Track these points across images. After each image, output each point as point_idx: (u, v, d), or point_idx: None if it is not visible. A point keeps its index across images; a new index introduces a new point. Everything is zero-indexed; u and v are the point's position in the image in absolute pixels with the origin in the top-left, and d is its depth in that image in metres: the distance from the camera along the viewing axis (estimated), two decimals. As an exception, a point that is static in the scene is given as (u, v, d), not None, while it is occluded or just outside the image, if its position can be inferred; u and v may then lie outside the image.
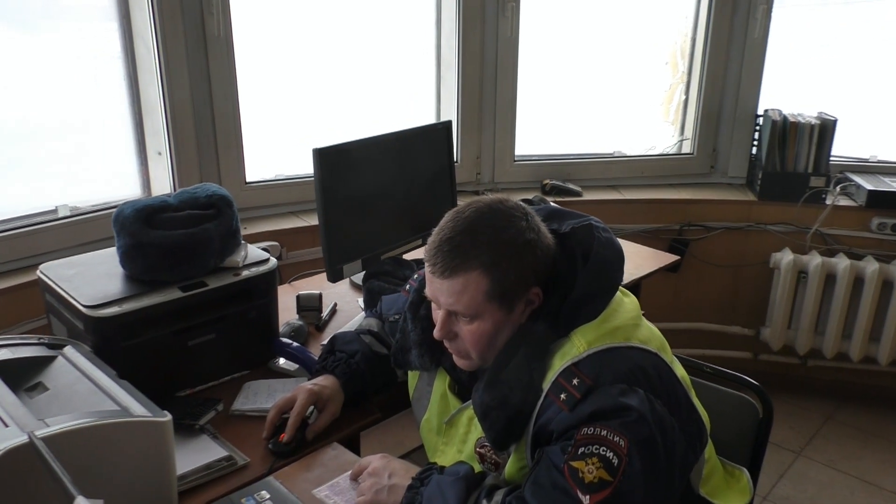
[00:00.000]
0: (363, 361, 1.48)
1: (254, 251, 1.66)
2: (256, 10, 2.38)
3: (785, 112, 2.89)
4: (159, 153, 2.28)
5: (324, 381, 1.44)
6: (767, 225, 2.93)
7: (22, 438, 1.00)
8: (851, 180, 2.92)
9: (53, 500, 0.89)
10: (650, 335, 1.20)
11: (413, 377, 1.41)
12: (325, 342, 1.58)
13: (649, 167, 3.10)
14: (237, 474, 1.30)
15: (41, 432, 1.01)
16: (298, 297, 1.88)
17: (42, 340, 1.37)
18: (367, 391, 1.50)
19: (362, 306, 1.93)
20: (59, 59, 2.09)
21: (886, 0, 2.99)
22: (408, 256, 2.08)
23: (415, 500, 1.16)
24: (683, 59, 3.07)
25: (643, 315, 1.25)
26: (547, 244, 1.17)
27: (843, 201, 2.88)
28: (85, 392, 1.21)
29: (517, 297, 1.15)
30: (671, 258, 2.41)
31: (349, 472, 1.29)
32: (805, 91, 3.03)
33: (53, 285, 1.49)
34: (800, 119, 2.85)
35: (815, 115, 2.89)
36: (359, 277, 2.01)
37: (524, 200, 1.24)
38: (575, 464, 1.04)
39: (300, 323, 1.81)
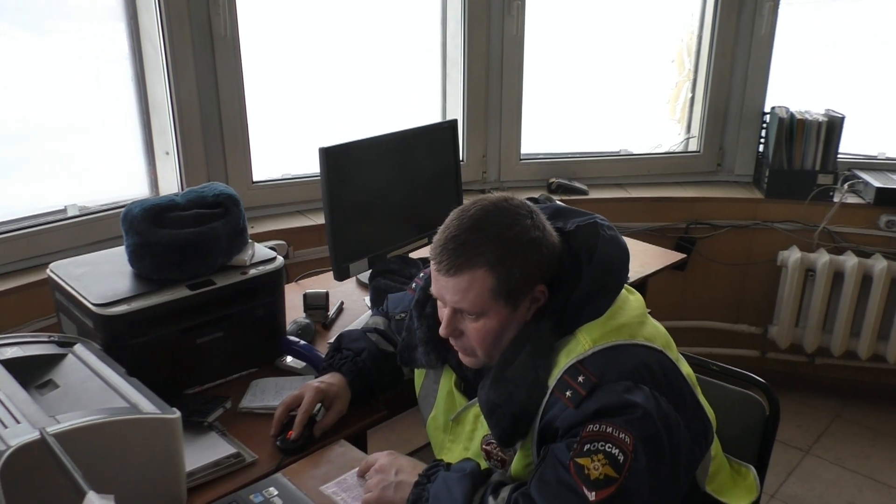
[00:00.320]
0: (370, 359, 1.48)
1: (261, 250, 1.67)
2: (263, 9, 2.39)
3: (792, 109, 2.88)
4: (167, 153, 2.30)
5: (331, 378, 1.45)
6: (774, 223, 2.92)
7: (33, 435, 1.01)
8: (859, 178, 2.91)
9: (65, 496, 0.91)
10: (655, 332, 1.20)
11: (419, 375, 1.42)
12: (331, 340, 1.59)
13: (655, 165, 3.09)
14: (245, 471, 1.31)
15: (52, 429, 1.02)
16: (305, 296, 1.89)
17: (52, 338, 1.39)
18: (374, 389, 1.50)
19: (369, 305, 1.94)
20: (67, 59, 2.11)
21: (894, -4, 2.98)
22: (414, 255, 2.08)
23: (421, 497, 1.16)
24: (690, 56, 3.07)
25: (649, 313, 1.25)
26: (552, 242, 1.17)
27: (851, 199, 2.87)
28: (95, 389, 1.22)
29: (522, 295, 1.15)
30: (678, 256, 2.41)
31: (356, 469, 1.30)
32: (812, 88, 3.02)
33: (63, 284, 1.50)
34: (807, 116, 2.84)
35: (823, 112, 2.88)
36: (365, 276, 2.02)
37: (530, 199, 1.24)
38: (580, 460, 1.04)
39: (307, 321, 1.81)
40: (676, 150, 3.16)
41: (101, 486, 0.85)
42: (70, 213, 2.14)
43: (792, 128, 2.83)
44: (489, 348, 1.19)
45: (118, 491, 0.86)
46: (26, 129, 2.08)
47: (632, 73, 3.05)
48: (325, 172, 1.76)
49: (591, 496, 1.02)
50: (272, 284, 1.63)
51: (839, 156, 2.88)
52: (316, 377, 1.49)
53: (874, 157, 3.06)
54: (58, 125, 2.14)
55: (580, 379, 1.10)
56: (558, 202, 1.42)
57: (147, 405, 1.16)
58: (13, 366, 1.26)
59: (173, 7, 2.14)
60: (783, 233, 2.92)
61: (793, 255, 2.86)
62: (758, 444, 1.44)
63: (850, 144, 2.95)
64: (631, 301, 1.23)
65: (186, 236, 1.51)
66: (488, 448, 1.24)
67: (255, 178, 2.46)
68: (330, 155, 1.76)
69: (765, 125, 2.97)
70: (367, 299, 1.97)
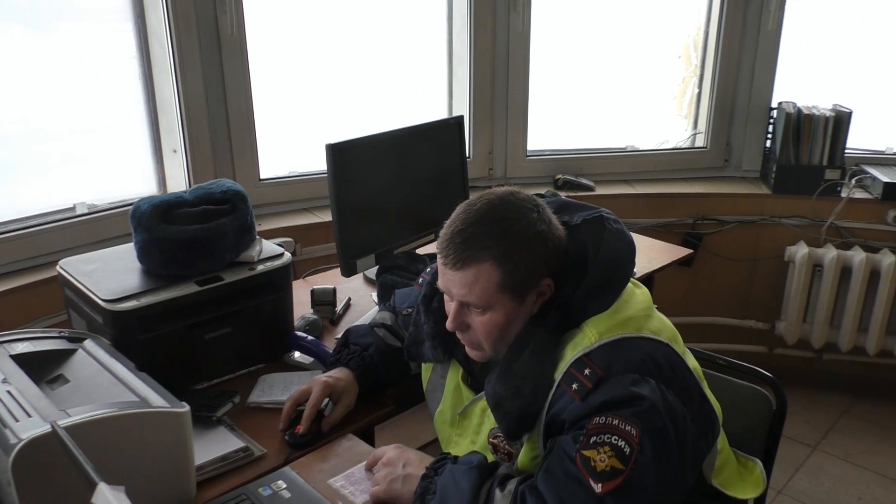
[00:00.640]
0: (377, 354, 1.49)
1: (268, 246, 1.68)
2: (269, 7, 2.40)
3: (799, 104, 2.87)
4: (174, 151, 2.31)
5: (338, 373, 1.46)
6: (782, 218, 2.91)
7: (45, 428, 1.02)
8: (867, 173, 2.90)
9: (76, 488, 0.92)
10: (662, 326, 1.20)
11: (426, 369, 1.42)
12: (339, 335, 1.60)
13: (662, 161, 3.09)
14: (254, 465, 1.32)
15: (63, 422, 1.03)
16: (313, 292, 1.90)
17: (63, 334, 1.40)
18: (382, 383, 1.51)
19: (376, 300, 1.95)
20: (76, 59, 2.12)
21: (902, -10, 2.96)
22: (420, 251, 2.09)
23: (429, 490, 1.17)
24: (696, 52, 3.06)
25: (656, 308, 1.25)
26: (558, 236, 1.18)
27: (859, 194, 2.86)
28: (105, 384, 1.23)
29: (529, 289, 1.16)
30: (684, 252, 2.41)
31: (364, 463, 1.30)
32: (820, 83, 3.01)
33: (73, 280, 1.51)
34: (814, 111, 2.83)
35: (830, 107, 2.87)
36: (372, 272, 2.03)
37: (536, 195, 1.25)
38: (587, 453, 1.04)
39: (315, 317, 1.82)
40: (683, 146, 3.15)
41: (111, 478, 0.86)
42: (79, 211, 2.16)
43: (799, 123, 2.82)
44: (496, 342, 1.19)
45: (128, 484, 0.86)
46: (35, 128, 2.10)
47: (638, 68, 3.04)
48: (331, 169, 1.76)
49: (598, 488, 1.03)
50: (280, 280, 1.64)
51: (847, 151, 2.87)
52: (324, 372, 1.49)
53: (882, 152, 3.05)
54: (66, 124, 2.15)
55: (586, 372, 1.10)
56: (563, 197, 1.42)
57: (157, 399, 1.17)
58: (24, 361, 1.27)
59: (180, 6, 2.15)
60: (790, 228, 2.91)
61: (800, 251, 2.85)
62: (765, 439, 1.44)
63: (858, 139, 2.94)
64: (637, 295, 1.23)
65: (195, 233, 1.52)
66: (495, 441, 1.24)
67: (261, 176, 2.47)
68: (336, 152, 1.77)
69: (772, 120, 2.96)
70: (374, 295, 1.97)
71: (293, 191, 2.54)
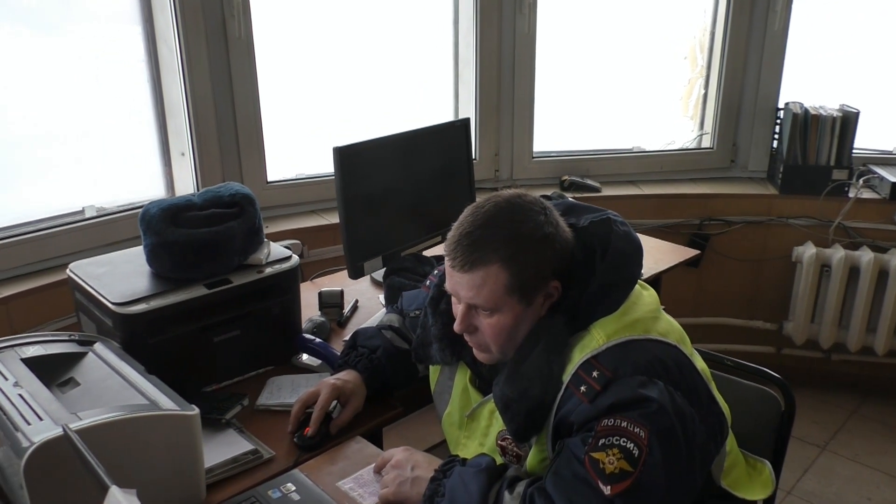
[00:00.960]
0: (385, 356, 1.49)
1: (276, 249, 1.69)
2: (276, 11, 2.40)
3: (806, 105, 2.87)
4: (182, 154, 2.32)
5: (346, 375, 1.46)
6: (789, 219, 2.91)
7: (56, 431, 1.03)
8: (875, 173, 2.89)
9: (87, 491, 0.92)
10: (669, 328, 1.20)
11: (434, 372, 1.43)
12: (347, 338, 1.60)
13: (668, 162, 3.08)
14: (263, 467, 1.32)
15: (75, 425, 1.04)
16: (320, 294, 1.91)
17: (73, 337, 1.41)
18: (390, 386, 1.51)
19: (383, 302, 1.95)
20: (84, 62, 2.13)
21: (909, -11, 2.95)
22: (427, 253, 2.09)
23: (437, 492, 1.17)
24: (702, 53, 3.06)
25: (663, 309, 1.25)
26: (565, 238, 1.18)
27: (867, 194, 2.85)
28: (115, 387, 1.24)
29: (536, 291, 1.16)
30: (691, 253, 2.40)
31: (373, 465, 1.31)
32: (827, 83, 3.00)
33: (83, 284, 1.52)
34: (821, 112, 2.82)
35: (838, 107, 2.86)
36: (379, 274, 2.03)
37: (543, 196, 1.25)
38: (596, 455, 1.04)
39: (322, 319, 1.83)
40: (689, 147, 3.15)
41: (122, 481, 0.87)
42: (88, 215, 2.17)
43: (806, 123, 2.81)
44: (503, 344, 1.19)
45: (139, 487, 0.87)
46: (43, 130, 2.11)
47: (644, 70, 3.04)
48: (339, 172, 1.77)
49: (607, 490, 1.03)
50: (288, 283, 1.65)
51: (854, 151, 2.86)
52: (332, 374, 1.50)
53: (889, 152, 3.04)
54: (74, 127, 2.16)
55: (594, 374, 1.10)
56: (570, 199, 1.43)
57: (166, 402, 1.18)
58: (35, 364, 1.28)
59: (188, 9, 2.16)
60: (798, 228, 2.90)
61: (808, 251, 2.84)
62: (773, 440, 1.44)
63: (866, 139, 2.93)
64: (645, 296, 1.23)
65: (203, 236, 1.53)
66: (503, 443, 1.24)
67: (269, 179, 2.48)
68: (344, 154, 1.78)
69: (779, 121, 2.96)
70: (382, 297, 1.98)
71: (300, 193, 2.54)
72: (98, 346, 1.38)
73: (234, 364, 1.60)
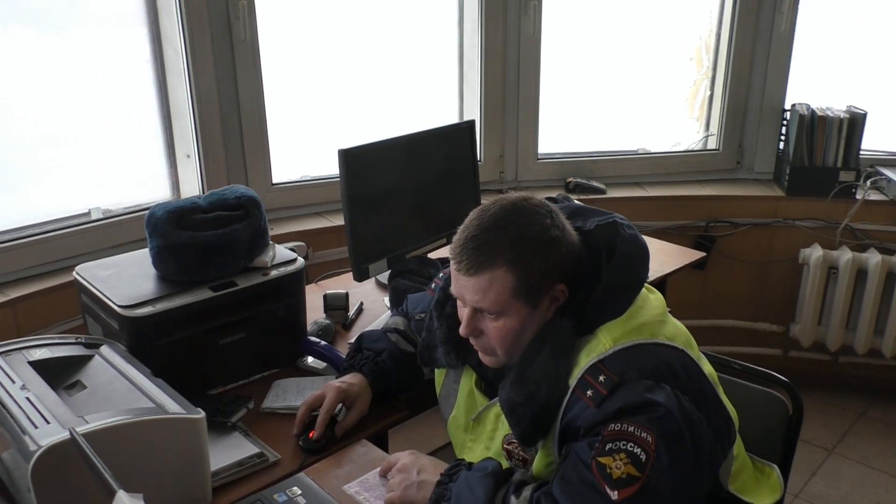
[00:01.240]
0: (390, 359, 1.49)
1: (281, 251, 1.69)
2: (281, 12, 2.41)
3: (813, 106, 2.85)
4: (188, 156, 2.32)
5: (352, 378, 1.46)
6: (796, 220, 2.89)
7: (63, 435, 1.03)
8: (882, 174, 2.88)
9: (94, 495, 0.92)
10: (676, 331, 1.20)
11: (440, 375, 1.42)
12: (352, 341, 1.60)
13: (674, 164, 3.07)
14: (269, 471, 1.32)
15: (82, 429, 1.04)
16: (325, 297, 1.91)
17: (79, 340, 1.41)
18: (395, 389, 1.51)
19: (388, 305, 1.95)
20: (89, 63, 2.14)
21: (917, -10, 2.94)
22: (432, 255, 2.09)
23: (444, 496, 1.17)
24: (708, 54, 3.05)
25: (669, 312, 1.25)
26: (571, 241, 1.17)
27: (874, 195, 2.84)
28: (121, 390, 1.24)
29: (542, 294, 1.15)
30: (697, 255, 2.40)
31: (378, 469, 1.31)
32: (834, 84, 2.99)
33: (89, 286, 1.52)
34: (828, 113, 2.81)
35: (845, 108, 2.85)
36: (384, 276, 2.03)
37: (548, 198, 1.24)
38: (602, 459, 1.04)
39: (327, 322, 1.83)
40: (695, 149, 3.14)
41: (128, 485, 0.87)
42: (94, 217, 2.17)
43: (813, 124, 2.80)
44: (509, 348, 1.19)
45: (145, 490, 0.87)
46: (49, 132, 2.12)
47: (649, 71, 3.03)
48: (343, 174, 1.77)
49: (614, 495, 1.02)
50: (293, 285, 1.65)
51: (861, 152, 2.85)
52: (337, 377, 1.50)
53: (897, 153, 3.02)
54: (80, 129, 2.17)
55: (601, 378, 1.10)
56: (576, 201, 1.42)
57: (172, 405, 1.18)
58: (42, 367, 1.29)
59: (194, 11, 2.16)
60: (805, 230, 2.89)
61: (815, 253, 2.83)
62: (781, 443, 1.43)
63: (873, 141, 2.91)
64: (651, 300, 1.22)
65: (209, 238, 1.53)
66: (509, 447, 1.24)
67: (274, 180, 2.48)
68: (349, 156, 1.78)
69: (785, 122, 2.94)
70: (387, 300, 1.98)
71: (305, 195, 2.54)
72: (104, 349, 1.38)
73: (239, 367, 1.60)
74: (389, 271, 1.95)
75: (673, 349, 1.15)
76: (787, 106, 2.95)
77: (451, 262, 1.17)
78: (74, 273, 1.59)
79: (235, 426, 1.42)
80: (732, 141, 3.06)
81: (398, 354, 1.50)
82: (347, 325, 1.89)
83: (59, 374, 1.30)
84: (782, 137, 2.97)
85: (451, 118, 2.84)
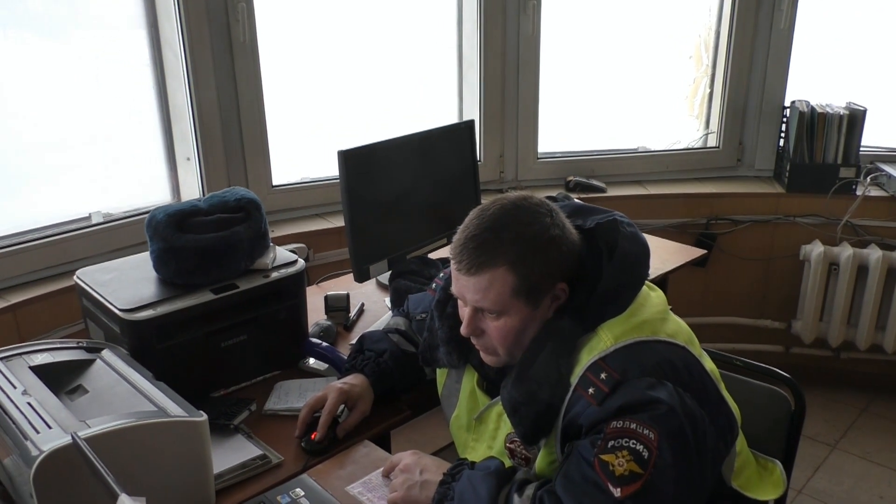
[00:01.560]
0: (392, 360, 1.49)
1: (282, 253, 1.69)
2: (280, 14, 2.41)
3: (813, 103, 2.85)
4: (188, 158, 2.33)
5: (353, 379, 1.46)
6: (796, 217, 2.89)
7: (65, 439, 1.03)
8: (882, 170, 2.87)
9: (97, 499, 0.92)
10: (678, 329, 1.20)
11: (441, 375, 1.42)
12: (353, 342, 1.60)
13: (674, 162, 3.07)
14: (272, 472, 1.32)
15: (84, 433, 1.04)
16: (326, 298, 1.91)
17: (81, 344, 1.41)
18: (397, 389, 1.51)
19: (389, 306, 1.95)
20: (89, 67, 2.14)
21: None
22: (433, 255, 2.09)
23: (446, 496, 1.17)
24: (707, 52, 3.04)
25: (671, 310, 1.25)
26: (572, 240, 1.17)
27: (874, 192, 2.83)
28: (123, 394, 1.24)
29: (543, 293, 1.15)
30: (698, 252, 2.39)
31: (381, 469, 1.31)
32: (834, 81, 2.98)
33: (90, 290, 1.52)
34: (828, 110, 2.81)
35: (844, 105, 2.85)
36: (385, 277, 2.03)
37: (548, 198, 1.24)
38: (605, 457, 1.04)
39: (329, 323, 1.83)
40: (695, 146, 3.14)
41: (131, 489, 0.87)
42: (94, 221, 2.18)
43: (813, 121, 2.80)
44: (510, 347, 1.19)
45: (148, 494, 0.87)
46: (48, 136, 2.12)
47: (649, 69, 3.03)
48: (343, 175, 1.77)
49: (617, 493, 1.02)
50: (294, 287, 1.65)
51: (861, 148, 2.84)
52: (339, 378, 1.50)
53: (897, 149, 3.02)
54: (80, 133, 2.17)
55: (603, 376, 1.09)
56: (577, 200, 1.42)
57: (174, 408, 1.18)
58: (43, 372, 1.29)
59: (193, 14, 2.16)
60: (805, 227, 2.89)
61: (816, 250, 2.83)
62: (784, 439, 1.43)
63: (873, 137, 2.91)
64: (652, 297, 1.22)
65: (210, 241, 1.53)
66: (512, 446, 1.24)
67: (274, 182, 2.48)
68: (348, 157, 1.78)
69: (785, 119, 2.94)
70: (388, 300, 1.98)
71: (305, 197, 2.54)
72: (106, 353, 1.38)
73: (241, 369, 1.60)
74: (390, 272, 1.95)
75: (674, 346, 1.15)
76: (787, 103, 2.94)
77: (452, 261, 1.17)
78: (75, 277, 1.59)
79: (238, 428, 1.42)
80: (732, 138, 3.06)
81: (400, 355, 1.50)
82: (349, 326, 1.89)
83: (61, 379, 1.30)
84: (782, 134, 2.97)
85: (451, 118, 2.84)
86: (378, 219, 1.89)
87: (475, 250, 1.13)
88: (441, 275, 1.44)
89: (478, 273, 1.13)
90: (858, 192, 2.81)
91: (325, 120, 2.59)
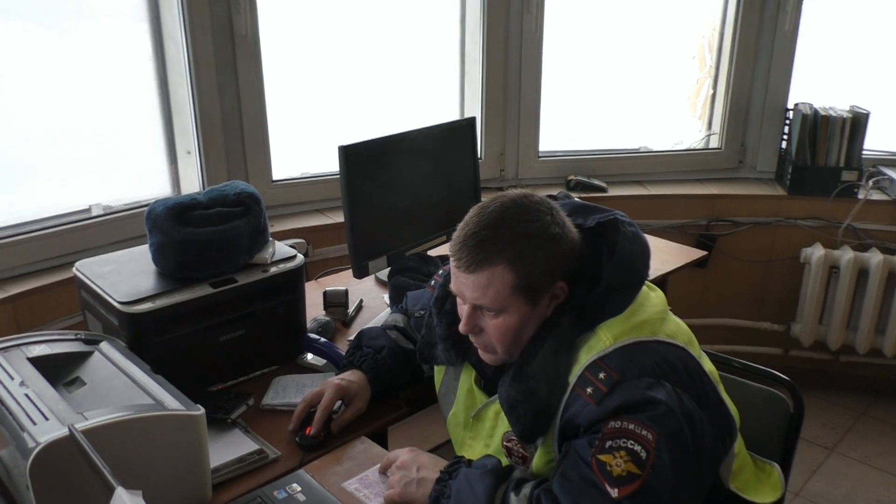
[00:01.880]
0: (390, 356, 1.49)
1: (281, 248, 1.69)
2: (283, 8, 2.40)
3: (816, 105, 2.85)
4: (188, 152, 2.32)
5: (351, 375, 1.46)
6: (798, 220, 2.89)
7: (63, 431, 1.03)
8: (884, 174, 2.87)
9: (92, 492, 0.92)
10: (677, 329, 1.19)
11: (439, 372, 1.42)
12: (351, 338, 1.60)
13: (676, 162, 3.07)
14: (269, 467, 1.32)
15: (81, 425, 1.04)
16: (325, 294, 1.90)
17: (79, 336, 1.41)
18: (394, 386, 1.51)
19: (388, 302, 1.95)
20: (92, 59, 2.13)
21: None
22: (432, 253, 2.09)
23: (443, 493, 1.17)
24: (711, 53, 3.04)
25: (670, 310, 1.24)
26: (572, 238, 1.17)
27: (876, 195, 2.83)
28: (121, 386, 1.24)
29: (542, 292, 1.15)
30: (698, 254, 2.39)
31: (378, 466, 1.30)
32: (837, 84, 2.98)
33: (89, 282, 1.52)
34: (831, 113, 2.80)
35: (848, 108, 2.84)
36: (384, 274, 2.03)
37: (549, 196, 1.24)
38: (602, 457, 1.04)
39: (327, 319, 1.83)
40: (697, 147, 3.13)
41: (127, 482, 0.86)
42: (94, 213, 2.17)
43: (816, 124, 2.80)
44: (509, 345, 1.18)
45: (145, 487, 0.87)
46: (49, 128, 2.11)
47: (652, 69, 3.03)
48: (344, 171, 1.77)
49: (614, 493, 1.02)
50: (293, 282, 1.65)
51: (864, 152, 2.84)
52: (336, 374, 1.50)
53: (900, 153, 3.02)
54: (81, 125, 2.16)
55: (601, 376, 1.09)
56: (577, 199, 1.42)
57: (172, 402, 1.17)
58: (41, 363, 1.28)
59: (195, 7, 2.16)
60: (806, 230, 2.88)
61: (816, 253, 2.83)
62: (782, 441, 1.43)
63: (876, 141, 2.91)
64: (652, 298, 1.22)
65: (209, 235, 1.53)
66: (509, 445, 1.24)
67: (274, 177, 2.48)
68: (349, 153, 1.77)
69: (788, 121, 2.94)
70: (386, 297, 1.97)
71: (305, 192, 2.54)
72: (104, 346, 1.38)
73: (239, 363, 1.60)
74: (389, 268, 1.94)
75: (673, 347, 1.15)
76: (790, 105, 2.94)
77: (451, 259, 1.17)
78: (74, 269, 1.59)
79: (235, 423, 1.42)
80: (735, 140, 3.05)
81: (398, 352, 1.50)
82: (347, 322, 1.88)
83: (59, 371, 1.30)
84: (785, 137, 2.97)
85: (452, 115, 2.83)
86: (378, 215, 1.89)
87: (475, 248, 1.13)
88: (440, 272, 1.44)
89: (477, 270, 1.13)
90: (860, 196, 2.81)
91: (327, 115, 2.59)
